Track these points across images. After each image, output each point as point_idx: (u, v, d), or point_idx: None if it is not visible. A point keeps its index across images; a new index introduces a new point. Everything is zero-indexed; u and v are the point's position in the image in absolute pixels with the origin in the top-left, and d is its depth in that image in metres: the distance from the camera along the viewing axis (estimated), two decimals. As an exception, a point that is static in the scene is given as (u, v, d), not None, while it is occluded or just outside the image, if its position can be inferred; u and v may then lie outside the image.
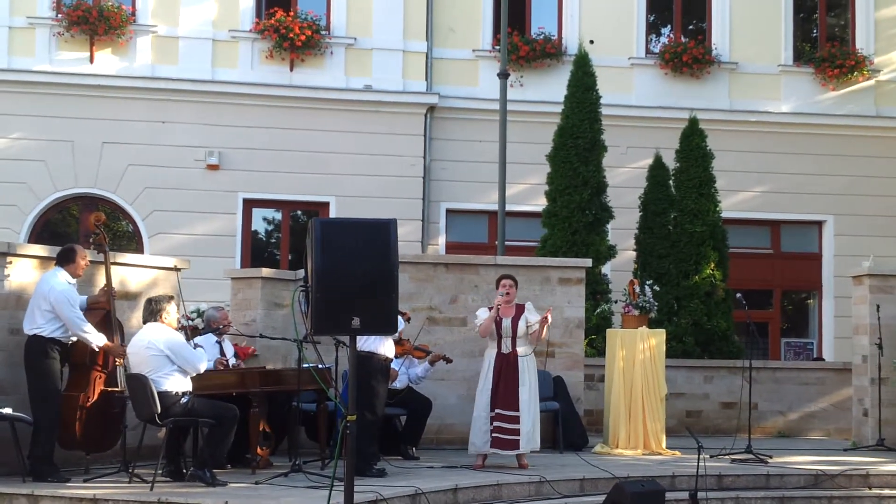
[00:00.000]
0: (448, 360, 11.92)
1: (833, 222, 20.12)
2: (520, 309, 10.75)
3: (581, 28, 19.61)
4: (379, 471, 9.80)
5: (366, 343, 9.88)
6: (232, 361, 10.87)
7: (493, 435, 10.49)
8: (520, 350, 10.67)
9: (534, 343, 10.81)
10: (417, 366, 11.78)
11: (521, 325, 10.65)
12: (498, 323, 10.63)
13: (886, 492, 10.66)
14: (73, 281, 9.53)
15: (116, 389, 9.71)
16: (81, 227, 18.07)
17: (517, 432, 10.49)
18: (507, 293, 10.68)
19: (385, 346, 10.14)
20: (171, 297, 9.78)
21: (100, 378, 9.67)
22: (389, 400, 10.68)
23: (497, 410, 10.50)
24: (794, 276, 20.44)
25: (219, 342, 10.95)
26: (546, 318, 10.65)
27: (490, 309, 10.75)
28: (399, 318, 10.40)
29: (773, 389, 15.47)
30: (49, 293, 9.28)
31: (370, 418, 9.89)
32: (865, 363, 13.35)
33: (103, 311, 9.90)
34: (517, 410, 10.51)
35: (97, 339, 9.42)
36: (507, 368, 10.59)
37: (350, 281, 6.70)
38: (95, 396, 9.61)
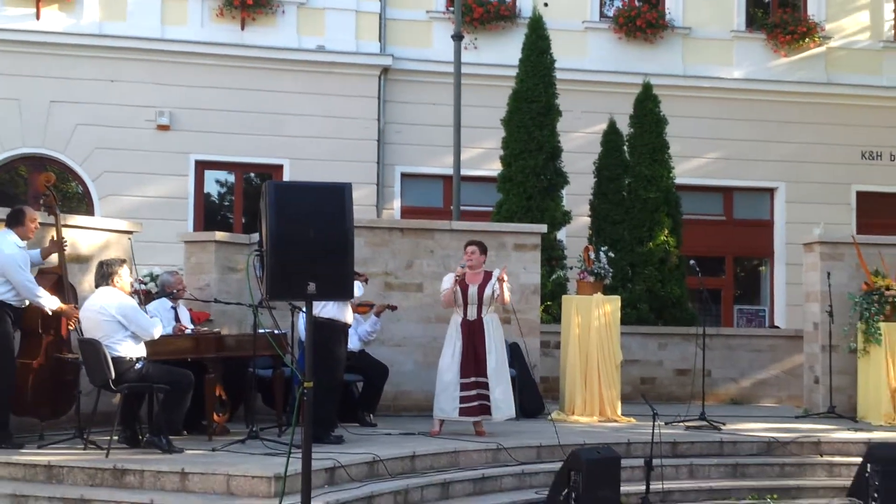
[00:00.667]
0: (393, 308, 11.89)
1: (784, 189, 20.26)
2: (487, 276, 10.70)
3: (536, -10, 19.51)
4: (336, 437, 9.75)
5: (325, 309, 9.81)
6: (190, 327, 10.73)
7: (464, 404, 10.49)
8: (486, 317, 10.65)
9: (502, 305, 10.82)
10: (364, 322, 11.69)
11: (488, 291, 10.60)
12: (465, 289, 10.59)
13: (837, 459, 10.84)
14: (23, 243, 9.34)
15: (70, 355, 9.57)
16: (30, 187, 17.76)
17: (487, 398, 10.51)
18: (469, 259, 10.64)
19: (345, 313, 10.07)
20: (124, 261, 9.61)
21: (52, 343, 9.53)
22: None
23: (470, 378, 10.50)
24: (746, 244, 20.55)
25: (174, 307, 10.81)
26: (501, 277, 10.59)
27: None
28: (358, 283, 10.37)
29: (725, 356, 15.60)
30: (-2, 257, 9.11)
31: (329, 384, 9.81)
32: (816, 330, 13.48)
33: (56, 275, 9.74)
34: (486, 377, 10.52)
35: (50, 303, 9.26)
36: (473, 335, 10.58)
37: (305, 246, 6.61)
38: (46, 361, 9.47)
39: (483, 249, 10.83)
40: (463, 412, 10.55)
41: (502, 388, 10.64)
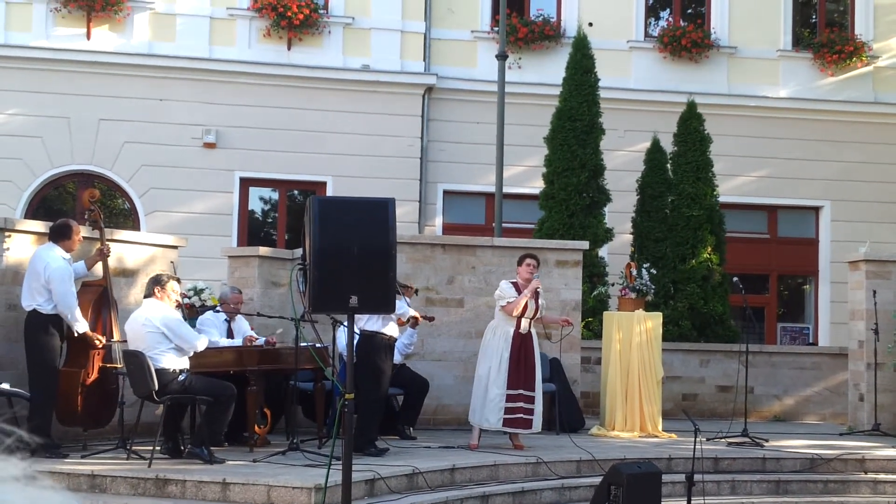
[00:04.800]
0: (430, 319, 11.76)
1: (830, 208, 20.10)
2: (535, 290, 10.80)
3: (580, 10, 19.52)
4: (381, 450, 9.78)
5: (369, 322, 9.89)
6: (259, 338, 10.74)
7: (509, 416, 10.51)
8: (533, 331, 10.76)
9: (539, 322, 10.96)
10: (400, 335, 11.65)
11: (541, 305, 10.78)
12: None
13: (882, 476, 10.74)
14: (68, 256, 9.49)
15: (115, 365, 9.70)
16: (78, 203, 18.00)
17: (532, 412, 10.57)
18: (535, 272, 10.76)
19: (389, 326, 10.12)
20: (178, 279, 9.76)
21: (98, 354, 9.66)
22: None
23: (519, 390, 10.53)
24: (790, 261, 20.39)
25: (227, 320, 10.88)
26: (569, 322, 11.19)
27: (514, 285, 10.72)
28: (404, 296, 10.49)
29: (769, 374, 15.49)
30: (45, 270, 9.22)
31: (374, 397, 9.88)
32: (861, 348, 13.38)
33: (100, 287, 9.89)
34: (534, 391, 10.60)
35: (80, 327, 9.36)
36: (525, 349, 10.63)
37: (348, 259, 6.68)
38: (95, 373, 9.60)
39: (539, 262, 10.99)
40: (507, 423, 10.57)
41: (540, 402, 10.78)
